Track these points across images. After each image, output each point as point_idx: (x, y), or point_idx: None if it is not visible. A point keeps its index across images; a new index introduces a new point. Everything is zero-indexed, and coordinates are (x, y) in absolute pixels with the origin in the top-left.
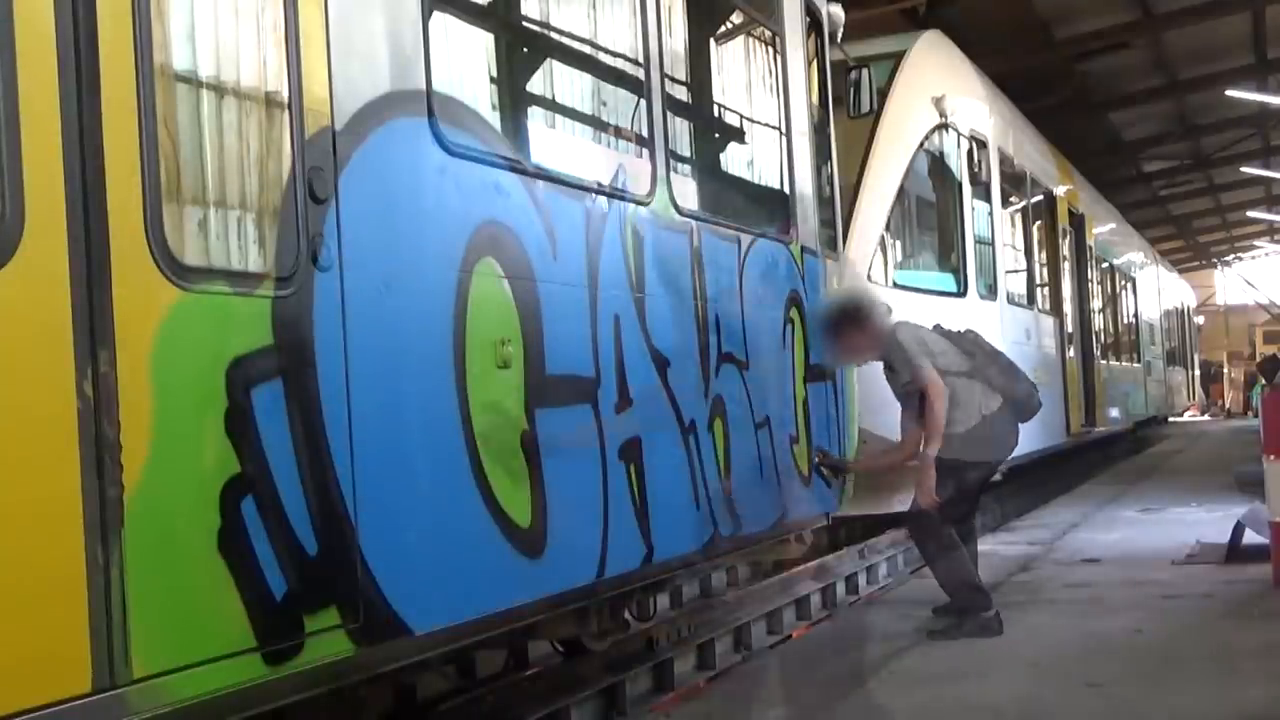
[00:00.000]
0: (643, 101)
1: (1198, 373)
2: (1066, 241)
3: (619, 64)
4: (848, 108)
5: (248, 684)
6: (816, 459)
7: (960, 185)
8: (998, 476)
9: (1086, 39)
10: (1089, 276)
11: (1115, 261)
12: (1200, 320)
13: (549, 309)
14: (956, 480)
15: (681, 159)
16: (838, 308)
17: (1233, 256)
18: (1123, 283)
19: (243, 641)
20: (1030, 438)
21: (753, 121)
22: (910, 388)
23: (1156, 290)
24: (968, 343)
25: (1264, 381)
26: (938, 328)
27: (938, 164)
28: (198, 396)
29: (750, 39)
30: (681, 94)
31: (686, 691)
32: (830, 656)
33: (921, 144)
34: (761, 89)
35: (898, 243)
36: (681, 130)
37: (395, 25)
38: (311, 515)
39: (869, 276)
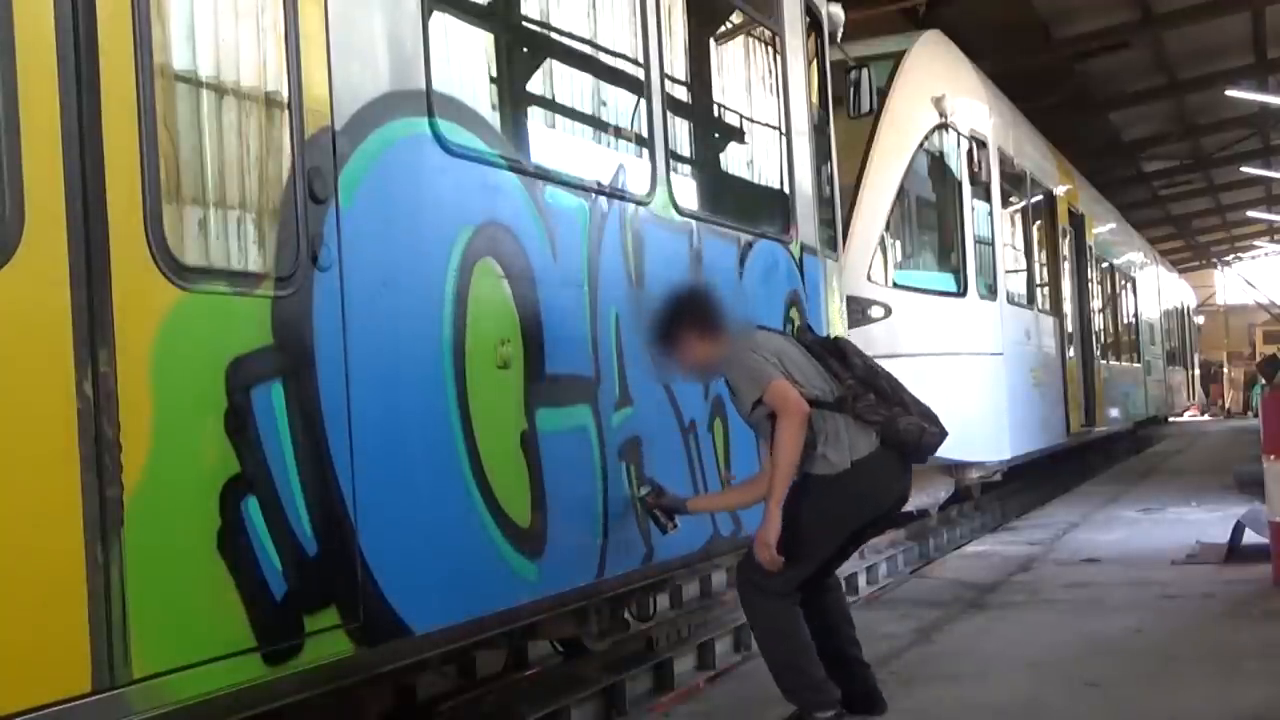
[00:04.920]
0: (642, 101)
1: (1198, 373)
2: (1066, 241)
3: (619, 64)
4: (848, 108)
5: (247, 684)
6: (648, 500)
7: (960, 185)
8: (997, 476)
9: (1086, 39)
10: (1089, 276)
11: (1115, 261)
12: (1200, 320)
13: (549, 309)
14: (811, 538)
15: (681, 159)
16: (677, 301)
17: (1233, 256)
18: (1123, 282)
19: (243, 641)
20: (1031, 437)
21: (752, 121)
22: (759, 413)
23: (1156, 290)
24: (834, 359)
25: (1264, 381)
26: (798, 335)
27: (938, 164)
28: (198, 396)
29: (750, 39)
30: (681, 94)
31: (686, 691)
32: None
33: (921, 144)
34: (761, 89)
35: (898, 242)
36: (681, 130)
37: (395, 25)
38: (311, 515)
39: (869, 276)
